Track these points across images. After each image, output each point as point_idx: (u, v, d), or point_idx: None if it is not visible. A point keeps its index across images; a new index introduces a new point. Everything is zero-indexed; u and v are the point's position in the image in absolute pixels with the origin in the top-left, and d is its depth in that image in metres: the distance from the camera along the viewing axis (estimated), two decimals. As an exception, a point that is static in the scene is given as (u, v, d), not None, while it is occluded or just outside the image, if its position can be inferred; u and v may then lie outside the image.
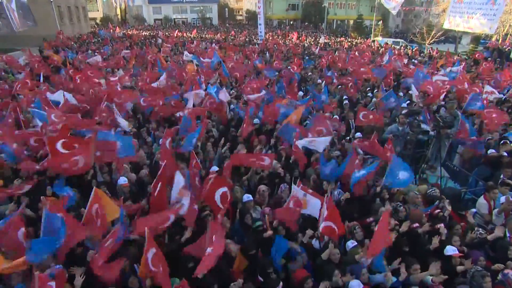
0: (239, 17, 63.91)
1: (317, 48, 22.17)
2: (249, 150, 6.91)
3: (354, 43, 29.77)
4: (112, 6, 52.30)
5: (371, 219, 4.36)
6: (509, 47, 20.23)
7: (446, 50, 23.75)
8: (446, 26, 23.09)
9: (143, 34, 32.34)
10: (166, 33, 33.00)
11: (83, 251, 4.03)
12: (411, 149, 6.12)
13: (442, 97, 9.95)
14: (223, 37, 29.98)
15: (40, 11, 23.25)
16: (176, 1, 53.55)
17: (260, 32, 26.35)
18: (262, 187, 5.34)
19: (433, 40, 30.57)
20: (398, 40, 33.68)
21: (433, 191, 5.28)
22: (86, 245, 4.12)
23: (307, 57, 19.91)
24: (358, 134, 7.80)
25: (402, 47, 26.78)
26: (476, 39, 28.57)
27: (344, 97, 10.56)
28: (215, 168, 5.70)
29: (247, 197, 4.96)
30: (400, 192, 5.23)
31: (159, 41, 21.42)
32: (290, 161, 6.47)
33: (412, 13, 54.64)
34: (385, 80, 12.15)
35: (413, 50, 25.59)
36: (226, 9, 59.28)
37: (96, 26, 44.12)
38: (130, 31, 36.21)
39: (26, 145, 6.28)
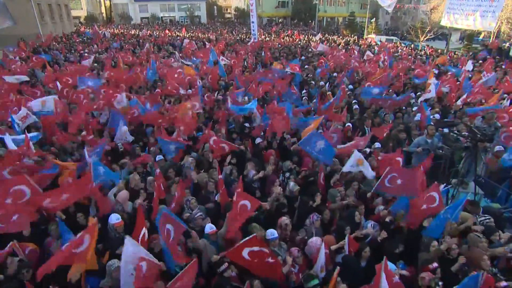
0: (227, 15, 62.76)
1: (317, 45, 21.33)
2: (261, 167, 6.08)
3: (350, 41, 29.06)
4: (96, 4, 50.44)
5: (435, 265, 3.55)
6: (508, 45, 19.85)
7: (438, 47, 23.57)
8: (444, 23, 22.67)
9: (130, 33, 30.93)
10: (155, 32, 31.72)
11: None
12: (446, 166, 5.37)
13: (459, 102, 9.31)
14: (213, 36, 28.93)
15: (18, 9, 21.75)
16: (164, -2, 52.14)
17: (253, 30, 25.35)
18: (285, 220, 4.48)
19: (426, 37, 30.26)
20: (391, 37, 33.28)
21: (487, 221, 4.47)
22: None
23: (303, 57, 19.16)
24: (378, 145, 7.07)
25: (405, 47, 26.29)
26: (470, 36, 28.38)
27: (354, 101, 9.81)
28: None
29: (272, 233, 4.11)
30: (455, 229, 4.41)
31: (146, 45, 20.23)
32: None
33: (401, 11, 54.70)
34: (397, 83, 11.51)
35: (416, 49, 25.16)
36: (215, 7, 58.03)
37: (80, 25, 42.29)
38: (116, 30, 34.67)
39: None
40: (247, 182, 5.69)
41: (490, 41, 23.83)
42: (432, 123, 6.55)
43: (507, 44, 19.97)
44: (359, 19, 46.49)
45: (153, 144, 6.96)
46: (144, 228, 3.88)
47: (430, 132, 5.91)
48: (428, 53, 23.48)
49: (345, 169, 5.64)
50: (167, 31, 31.08)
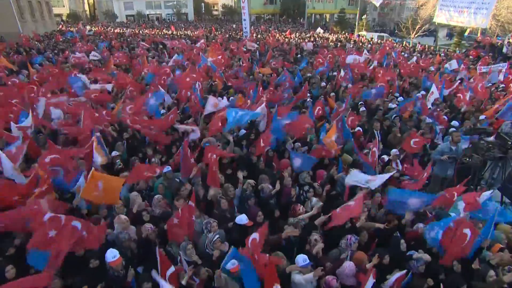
0: (215, 12, 61.72)
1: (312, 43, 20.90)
2: (274, 180, 5.57)
3: (342, 38, 28.81)
4: (79, 1, 48.68)
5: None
6: (501, 42, 19.94)
7: (426, 43, 23.62)
8: (439, 20, 22.66)
9: (115, 31, 29.79)
10: (141, 31, 30.71)
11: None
12: (476, 175, 5.01)
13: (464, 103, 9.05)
14: (202, 34, 28.15)
15: (-4, 7, 20.57)
16: (149, -5, 50.68)
17: (245, 28, 24.77)
18: (314, 236, 4.04)
19: (417, 34, 30.26)
20: (382, 34, 33.25)
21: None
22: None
23: (299, 55, 18.71)
24: (395, 151, 6.69)
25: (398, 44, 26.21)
26: (460, 33, 28.51)
27: (360, 102, 9.41)
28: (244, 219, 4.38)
29: (303, 260, 3.63)
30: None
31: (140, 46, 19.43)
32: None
33: (388, 7, 55.03)
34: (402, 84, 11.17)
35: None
36: (202, 4, 56.90)
37: (62, 23, 40.61)
38: (101, 28, 33.38)
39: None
40: (263, 199, 5.18)
41: (477, 37, 23.98)
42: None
43: (504, 41, 19.97)
44: (349, 16, 46.39)
45: (152, 155, 6.34)
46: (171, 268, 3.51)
47: (455, 139, 5.55)
48: (418, 49, 23.42)
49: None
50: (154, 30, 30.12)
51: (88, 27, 31.85)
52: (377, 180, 4.85)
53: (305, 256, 3.68)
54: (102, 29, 32.54)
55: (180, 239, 4.19)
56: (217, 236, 4.04)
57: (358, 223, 4.35)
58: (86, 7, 52.14)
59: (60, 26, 35.30)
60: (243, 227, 4.38)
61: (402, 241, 4.10)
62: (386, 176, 4.90)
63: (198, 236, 4.59)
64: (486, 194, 4.26)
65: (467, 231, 4.00)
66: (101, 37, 24.43)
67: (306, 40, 24.75)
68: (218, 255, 3.95)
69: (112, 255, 3.72)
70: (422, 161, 7.27)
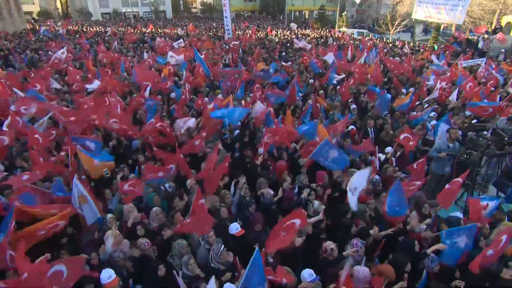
0: (193, 10, 60.68)
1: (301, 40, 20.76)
2: (274, 185, 5.39)
3: (324, 35, 28.88)
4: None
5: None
6: (477, 38, 20.55)
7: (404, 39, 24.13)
8: (418, 16, 23.14)
9: (92, 30, 28.60)
10: (119, 29, 29.63)
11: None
12: (475, 173, 5.01)
13: (453, 98, 9.19)
14: (184, 32, 27.51)
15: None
16: (126, -8, 49.03)
17: (227, 26, 24.33)
18: (330, 245, 3.86)
19: (396, 30, 30.88)
20: (362, 31, 33.69)
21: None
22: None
23: (283, 53, 18.58)
24: (389, 149, 6.67)
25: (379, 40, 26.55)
26: (437, 29, 29.29)
27: (350, 100, 9.37)
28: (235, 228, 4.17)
29: (310, 274, 3.43)
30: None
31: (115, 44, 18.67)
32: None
33: (366, 3, 55.92)
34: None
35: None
36: (181, 1, 55.78)
37: (32, 21, 38.61)
38: (76, 27, 31.93)
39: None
40: (264, 204, 4.97)
41: (454, 33, 24.71)
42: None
43: (479, 36, 20.59)
44: (329, 13, 46.74)
45: (143, 162, 5.99)
46: None
47: (452, 136, 5.56)
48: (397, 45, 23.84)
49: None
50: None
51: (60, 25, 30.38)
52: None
53: (311, 271, 3.51)
54: (77, 28, 31.16)
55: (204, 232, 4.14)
56: (223, 247, 3.78)
57: (371, 231, 4.22)
58: (58, 5, 49.89)
59: (30, 25, 33.54)
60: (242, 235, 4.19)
61: (416, 242, 3.99)
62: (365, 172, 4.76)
63: (196, 246, 4.36)
64: (492, 204, 4.20)
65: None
66: (78, 36, 23.27)
67: (299, 37, 24.80)
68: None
69: (107, 275, 3.42)
70: (415, 157, 7.35)
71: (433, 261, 3.74)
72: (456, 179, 4.88)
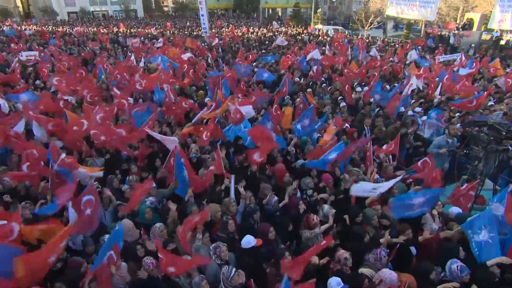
0: (165, 8, 59.18)
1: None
2: (278, 191, 5.16)
3: (300, 32, 28.94)
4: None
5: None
6: (448, 34, 21.34)
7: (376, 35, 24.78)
8: (391, 13, 23.72)
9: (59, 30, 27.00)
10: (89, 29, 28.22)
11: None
12: (474, 167, 5.05)
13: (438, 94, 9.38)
14: (160, 31, 26.64)
15: None
16: (94, -10, 46.82)
17: (204, 24, 23.82)
18: (344, 254, 3.67)
19: (370, 27, 31.58)
20: (338, 27, 34.14)
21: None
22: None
23: (263, 51, 18.41)
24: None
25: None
26: (408, 25, 30.24)
27: (340, 97, 9.32)
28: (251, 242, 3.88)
29: (337, 283, 3.24)
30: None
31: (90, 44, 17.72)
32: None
33: (337, 1, 56.96)
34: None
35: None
36: (152, -1, 54.21)
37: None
38: (40, 27, 29.97)
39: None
40: (268, 211, 4.73)
41: (428, 29, 25.57)
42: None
43: (450, 32, 21.39)
44: (303, 10, 47.07)
45: (135, 172, 5.57)
46: None
47: (451, 132, 5.59)
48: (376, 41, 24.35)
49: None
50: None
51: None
52: (383, 187, 4.65)
53: (338, 279, 3.30)
54: (41, 28, 29.27)
55: None
56: (234, 270, 3.48)
57: (382, 240, 4.06)
58: (19, 3, 46.82)
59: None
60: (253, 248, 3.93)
61: (461, 248, 3.84)
62: (392, 182, 4.71)
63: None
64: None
65: None
66: (43, 36, 21.79)
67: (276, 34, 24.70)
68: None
69: None
70: (408, 154, 7.40)
71: (462, 271, 3.47)
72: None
